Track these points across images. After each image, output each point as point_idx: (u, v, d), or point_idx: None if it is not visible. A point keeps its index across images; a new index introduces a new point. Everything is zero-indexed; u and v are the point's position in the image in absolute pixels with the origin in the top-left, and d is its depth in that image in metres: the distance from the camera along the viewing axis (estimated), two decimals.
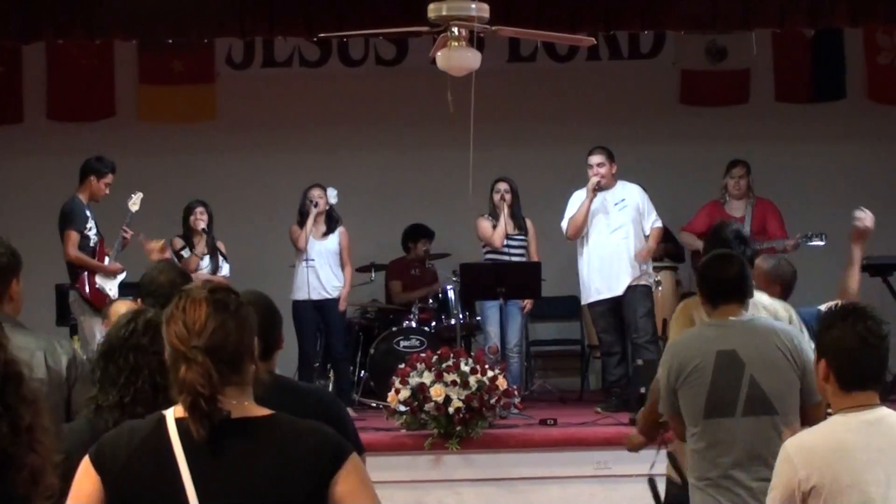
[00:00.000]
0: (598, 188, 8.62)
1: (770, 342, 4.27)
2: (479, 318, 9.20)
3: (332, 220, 9.14)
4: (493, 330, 8.90)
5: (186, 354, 2.39)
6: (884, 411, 3.19)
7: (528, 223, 9.21)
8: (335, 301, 9.02)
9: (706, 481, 4.24)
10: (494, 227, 9.08)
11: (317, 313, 8.99)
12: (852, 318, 3.21)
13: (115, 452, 2.43)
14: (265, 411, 2.48)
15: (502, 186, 9.14)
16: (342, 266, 9.12)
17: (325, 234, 9.08)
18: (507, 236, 9.09)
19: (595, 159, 8.68)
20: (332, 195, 9.11)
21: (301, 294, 8.92)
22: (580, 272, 8.83)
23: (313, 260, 8.94)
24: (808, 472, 3.08)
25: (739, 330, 4.31)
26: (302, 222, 9.03)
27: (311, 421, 2.53)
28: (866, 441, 3.11)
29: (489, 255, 9.16)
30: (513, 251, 9.09)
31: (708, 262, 4.50)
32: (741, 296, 4.35)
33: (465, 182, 9.34)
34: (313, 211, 8.96)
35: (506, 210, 9.06)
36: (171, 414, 2.45)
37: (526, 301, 9.03)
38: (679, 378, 4.29)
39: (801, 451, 3.14)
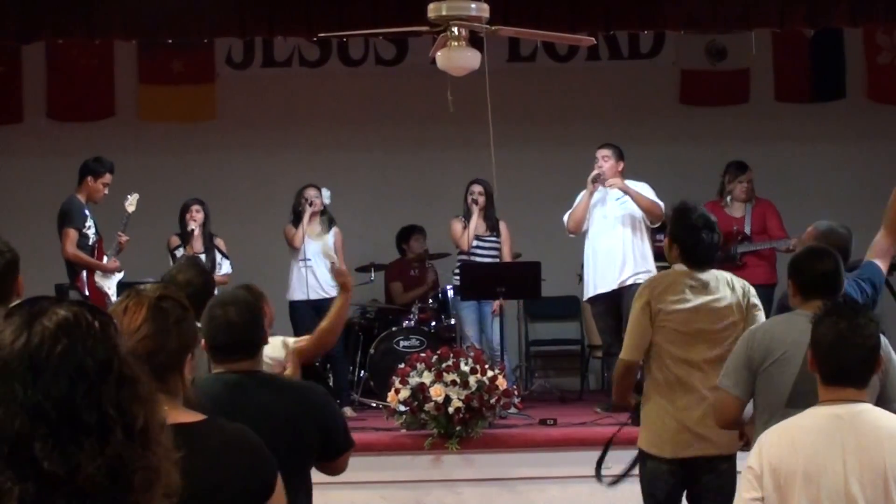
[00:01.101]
0: (598, 181, 8.55)
1: None
2: (453, 321, 9.16)
3: (326, 220, 9.16)
4: (471, 331, 8.90)
5: None
6: (860, 407, 3.23)
7: (502, 225, 9.20)
8: (332, 300, 8.98)
9: None
10: (465, 228, 9.08)
11: (315, 313, 8.96)
12: (838, 315, 3.30)
13: None
14: (198, 416, 2.47)
15: (476, 189, 9.14)
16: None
17: (320, 234, 9.08)
18: (478, 237, 9.09)
19: (601, 152, 8.65)
20: (326, 196, 9.12)
21: (299, 294, 8.92)
22: (584, 267, 8.82)
23: (310, 260, 8.94)
24: (765, 456, 3.17)
25: None
26: (296, 222, 9.04)
27: (242, 426, 2.52)
28: (830, 433, 3.17)
29: (461, 257, 9.16)
30: (482, 253, 9.09)
31: (803, 255, 4.50)
32: (833, 291, 4.31)
33: (465, 182, 9.36)
34: (308, 210, 8.97)
35: (476, 212, 9.06)
36: None
37: (495, 301, 8.94)
38: (765, 363, 4.25)
39: (767, 436, 3.24)
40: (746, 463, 3.28)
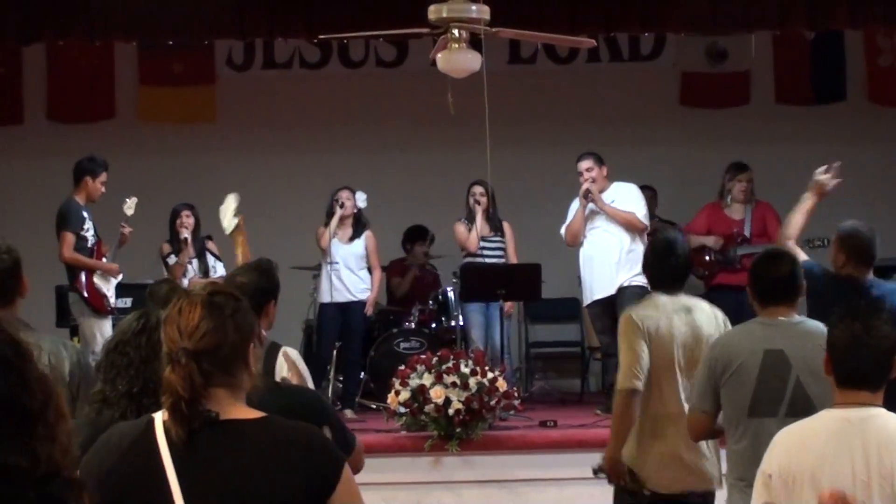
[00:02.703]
0: (589, 194, 8.53)
1: (818, 345, 4.23)
2: (461, 324, 9.15)
3: (359, 224, 9.07)
4: (476, 333, 8.88)
5: (172, 356, 2.40)
6: (873, 412, 3.19)
7: (506, 226, 9.18)
8: (359, 304, 8.98)
9: (745, 482, 4.21)
10: (470, 230, 9.07)
11: (341, 316, 8.96)
12: (853, 316, 3.25)
13: (103, 457, 2.44)
14: (257, 414, 2.47)
15: (477, 190, 9.11)
16: (369, 269, 9.09)
17: (352, 238, 9.02)
18: (483, 239, 9.06)
19: (583, 165, 8.63)
20: (361, 199, 9.04)
21: (326, 297, 8.91)
22: (581, 274, 8.82)
23: (337, 263, 8.89)
24: (778, 459, 3.15)
25: (788, 331, 4.27)
26: (328, 223, 8.97)
27: (304, 424, 2.51)
28: (840, 437, 3.14)
29: (467, 259, 9.15)
30: (488, 253, 9.08)
31: (759, 261, 4.47)
32: (792, 296, 4.31)
33: (465, 184, 9.36)
34: (338, 212, 8.90)
35: (480, 213, 9.04)
36: (160, 416, 2.44)
37: (507, 303, 8.95)
38: (724, 374, 4.25)
39: (780, 438, 3.21)
40: (759, 468, 3.25)
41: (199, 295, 2.48)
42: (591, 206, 8.59)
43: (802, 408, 4.13)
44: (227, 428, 2.40)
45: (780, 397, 4.17)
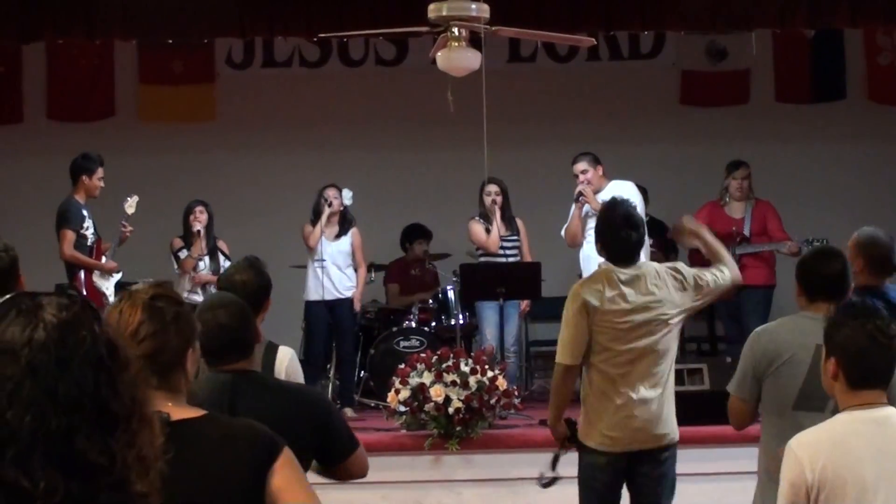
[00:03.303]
0: (581, 197, 8.49)
1: None
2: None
3: (345, 222, 9.08)
4: (490, 331, 8.88)
5: None
6: (889, 411, 3.21)
7: (519, 223, 9.16)
8: (347, 301, 9.00)
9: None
10: (487, 230, 9.04)
11: (329, 314, 8.97)
12: (862, 317, 3.26)
13: None
14: (198, 412, 2.49)
15: (493, 189, 9.06)
16: (355, 267, 9.09)
17: (338, 235, 9.03)
18: (501, 238, 9.06)
19: (578, 167, 8.58)
20: (348, 196, 9.04)
21: (314, 295, 8.91)
22: (581, 273, 8.81)
23: (324, 261, 8.90)
24: (813, 469, 3.11)
25: None
26: (315, 221, 8.97)
27: (244, 419, 2.53)
28: (868, 439, 3.14)
29: (484, 258, 9.14)
30: (507, 252, 9.07)
31: (810, 257, 4.49)
32: (840, 294, 4.31)
33: (465, 182, 9.36)
34: (326, 210, 8.91)
35: (498, 213, 9.02)
36: None
37: (524, 302, 9.01)
38: (771, 366, 4.26)
39: (807, 448, 3.18)
40: (781, 473, 3.22)
41: (140, 297, 2.47)
42: (587, 207, 8.56)
43: None
44: (178, 428, 2.40)
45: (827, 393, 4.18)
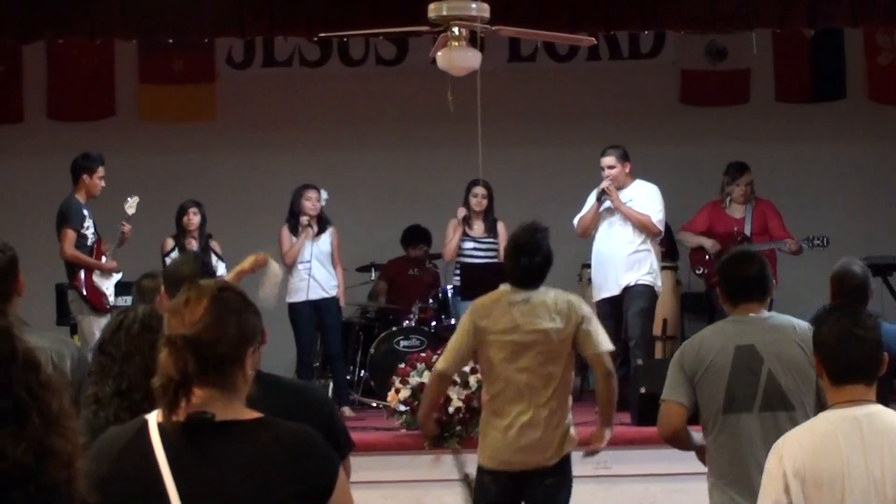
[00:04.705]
0: (602, 200, 8.45)
1: (789, 338, 4.26)
2: (453, 320, 9.14)
3: (322, 221, 9.04)
4: None
5: (169, 339, 2.39)
6: (873, 408, 3.20)
7: (500, 226, 9.10)
8: (332, 300, 8.99)
9: (724, 480, 4.23)
10: (465, 231, 9.05)
11: (315, 313, 8.95)
12: (838, 313, 3.30)
13: (95, 465, 2.37)
14: (253, 414, 2.44)
15: (480, 191, 9.07)
16: (335, 265, 9.08)
17: (318, 233, 8.99)
18: (475, 240, 9.07)
19: (605, 161, 8.49)
20: (323, 196, 9.04)
21: (299, 296, 8.85)
22: (592, 271, 8.80)
23: (309, 261, 8.88)
24: (794, 466, 3.12)
25: (759, 326, 4.31)
26: (293, 224, 8.93)
27: (300, 425, 2.47)
28: (849, 436, 3.13)
29: (460, 258, 9.14)
30: (481, 255, 9.07)
31: (728, 261, 4.52)
32: (761, 294, 4.37)
33: (465, 182, 9.36)
34: (305, 221, 8.85)
35: (479, 215, 9.04)
36: (154, 418, 2.41)
37: None
38: (698, 372, 4.28)
39: (790, 447, 3.19)
40: (765, 470, 3.23)
41: (208, 289, 2.47)
42: (606, 203, 8.51)
43: (777, 401, 4.18)
44: (223, 429, 2.37)
45: (753, 392, 4.20)
